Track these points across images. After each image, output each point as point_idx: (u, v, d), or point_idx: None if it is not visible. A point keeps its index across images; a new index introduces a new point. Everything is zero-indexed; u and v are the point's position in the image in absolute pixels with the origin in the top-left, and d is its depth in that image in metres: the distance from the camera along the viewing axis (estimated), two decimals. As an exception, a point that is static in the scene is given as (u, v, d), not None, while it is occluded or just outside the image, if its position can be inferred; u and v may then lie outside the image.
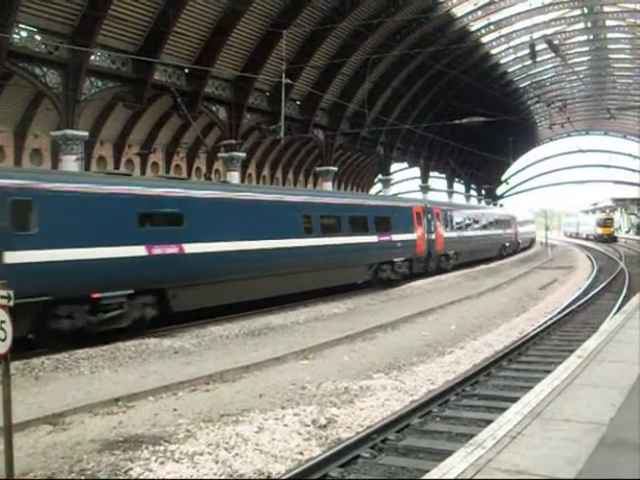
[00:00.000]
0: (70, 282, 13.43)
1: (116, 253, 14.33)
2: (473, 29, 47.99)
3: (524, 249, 55.39)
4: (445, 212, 34.27)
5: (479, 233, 41.07)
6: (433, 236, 31.08)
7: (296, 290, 20.86)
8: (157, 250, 15.39)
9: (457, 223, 36.22)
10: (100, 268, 13.90)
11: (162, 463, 7.29)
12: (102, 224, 14.21)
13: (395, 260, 26.85)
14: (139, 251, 14.94)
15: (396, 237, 26.77)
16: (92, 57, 27.68)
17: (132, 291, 14.76)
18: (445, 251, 32.93)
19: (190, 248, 16.21)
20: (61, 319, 13.41)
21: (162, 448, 7.74)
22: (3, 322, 6.09)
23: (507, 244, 49.32)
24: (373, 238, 25.05)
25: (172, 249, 15.79)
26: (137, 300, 15.00)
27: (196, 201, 16.96)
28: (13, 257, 12.30)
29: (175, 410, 9.48)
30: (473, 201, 77.54)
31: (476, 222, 40.84)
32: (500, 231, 46.71)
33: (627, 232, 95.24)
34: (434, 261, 31.66)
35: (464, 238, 36.97)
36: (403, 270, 27.65)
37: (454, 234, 34.97)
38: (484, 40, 51.01)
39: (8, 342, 6.05)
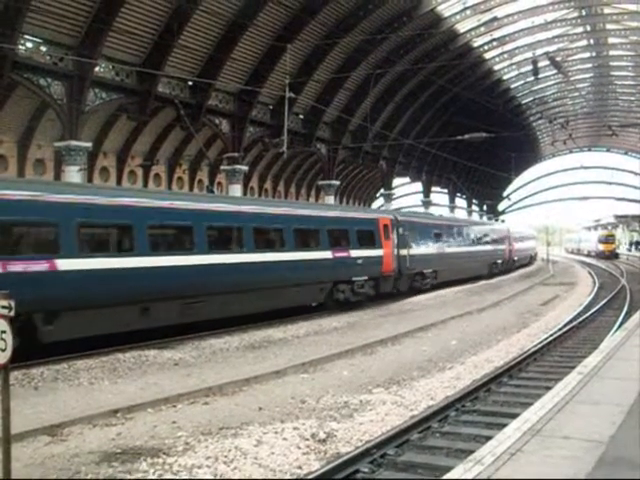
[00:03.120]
0: (418, 264, 28.61)
1: (429, 251, 30.71)
2: (476, 45, 48.20)
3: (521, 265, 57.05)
4: (514, 232, 53.32)
5: (523, 246, 58.76)
6: (510, 248, 49.48)
7: (463, 277, 35.93)
8: (438, 251, 31.96)
9: (516, 239, 53.80)
10: (425, 259, 29.64)
11: (160, 475, 7.27)
12: (424, 238, 30.43)
13: (497, 262, 44.84)
14: (435, 251, 31.64)
15: (498, 247, 46.01)
16: (97, 69, 27.84)
17: (431, 270, 30.44)
18: (513, 258, 51.06)
19: (445, 250, 32.98)
20: (416, 282, 29.35)
21: (160, 460, 7.72)
22: (3, 332, 6.08)
23: (532, 254, 67.53)
24: (491, 247, 43.91)
25: (441, 250, 32.41)
26: (429, 275, 30.36)
27: (442, 226, 34.44)
28: (404, 252, 27.29)
29: (174, 422, 9.45)
30: (475, 216, 77.96)
31: (522, 239, 58.63)
32: (529, 245, 64.46)
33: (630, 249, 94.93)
34: (510, 264, 49.36)
35: (519, 250, 54.96)
36: (498, 269, 44.83)
37: (515, 247, 52.32)
38: (487, 56, 51.21)
39: (8, 352, 6.04)
